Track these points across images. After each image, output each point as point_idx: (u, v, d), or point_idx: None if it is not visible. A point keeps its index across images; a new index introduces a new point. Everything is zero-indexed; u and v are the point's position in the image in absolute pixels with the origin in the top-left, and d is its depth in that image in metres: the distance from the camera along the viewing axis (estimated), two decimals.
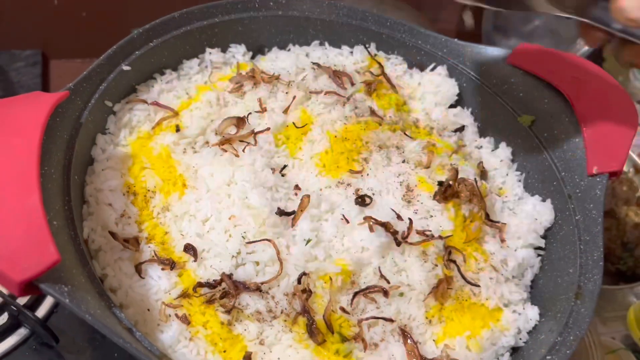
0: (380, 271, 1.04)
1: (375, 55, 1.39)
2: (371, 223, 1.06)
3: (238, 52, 1.34)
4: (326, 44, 1.40)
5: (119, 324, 0.84)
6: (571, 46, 1.54)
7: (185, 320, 0.95)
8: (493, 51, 1.34)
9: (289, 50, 1.39)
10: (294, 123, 1.21)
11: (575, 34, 1.37)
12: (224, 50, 1.34)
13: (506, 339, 1.05)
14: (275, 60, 1.36)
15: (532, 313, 1.09)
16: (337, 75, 1.30)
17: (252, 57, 1.37)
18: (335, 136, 1.20)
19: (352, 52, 1.40)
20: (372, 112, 1.27)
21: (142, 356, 0.80)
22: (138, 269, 0.99)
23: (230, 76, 1.29)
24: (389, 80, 1.34)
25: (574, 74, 1.24)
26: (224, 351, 0.94)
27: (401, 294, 1.04)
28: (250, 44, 1.36)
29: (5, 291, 1.16)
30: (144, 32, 1.19)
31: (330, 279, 1.02)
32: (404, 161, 1.21)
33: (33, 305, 1.17)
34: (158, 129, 1.17)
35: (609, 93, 1.22)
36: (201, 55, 1.31)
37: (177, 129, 1.17)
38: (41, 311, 1.17)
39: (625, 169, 1.62)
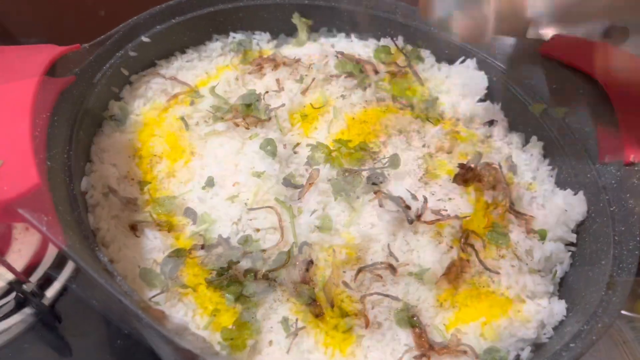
0: (389, 248, 0.97)
1: (403, 48, 1.35)
2: (381, 197, 0.99)
3: (262, 40, 1.33)
4: (352, 35, 1.37)
5: (99, 264, 0.79)
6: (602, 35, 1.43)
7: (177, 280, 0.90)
8: (524, 43, 1.28)
9: (314, 40, 1.37)
10: (311, 104, 1.18)
11: (608, 23, 1.29)
12: (247, 36, 1.32)
13: (527, 331, 0.94)
14: (300, 49, 1.34)
15: (559, 307, 0.98)
16: (360, 63, 1.27)
17: (276, 46, 1.36)
18: (353, 118, 1.16)
19: (378, 45, 1.36)
20: (394, 99, 1.22)
21: (121, 296, 0.74)
22: (134, 227, 0.96)
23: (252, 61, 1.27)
24: (415, 72, 1.30)
25: (610, 63, 1.16)
26: (214, 315, 0.88)
27: (410, 274, 0.96)
28: (275, 31, 1.35)
29: (10, 276, 1.15)
30: (166, 7, 1.20)
31: (334, 250, 0.95)
32: (424, 145, 1.15)
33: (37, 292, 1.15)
34: (173, 102, 1.16)
35: None
36: (225, 39, 1.31)
37: (192, 103, 1.15)
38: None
39: None
